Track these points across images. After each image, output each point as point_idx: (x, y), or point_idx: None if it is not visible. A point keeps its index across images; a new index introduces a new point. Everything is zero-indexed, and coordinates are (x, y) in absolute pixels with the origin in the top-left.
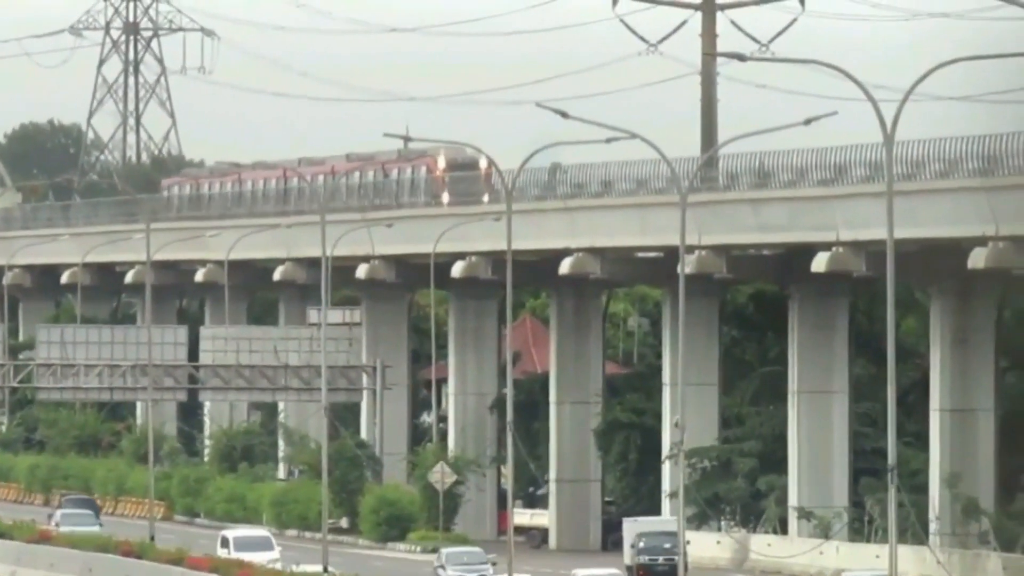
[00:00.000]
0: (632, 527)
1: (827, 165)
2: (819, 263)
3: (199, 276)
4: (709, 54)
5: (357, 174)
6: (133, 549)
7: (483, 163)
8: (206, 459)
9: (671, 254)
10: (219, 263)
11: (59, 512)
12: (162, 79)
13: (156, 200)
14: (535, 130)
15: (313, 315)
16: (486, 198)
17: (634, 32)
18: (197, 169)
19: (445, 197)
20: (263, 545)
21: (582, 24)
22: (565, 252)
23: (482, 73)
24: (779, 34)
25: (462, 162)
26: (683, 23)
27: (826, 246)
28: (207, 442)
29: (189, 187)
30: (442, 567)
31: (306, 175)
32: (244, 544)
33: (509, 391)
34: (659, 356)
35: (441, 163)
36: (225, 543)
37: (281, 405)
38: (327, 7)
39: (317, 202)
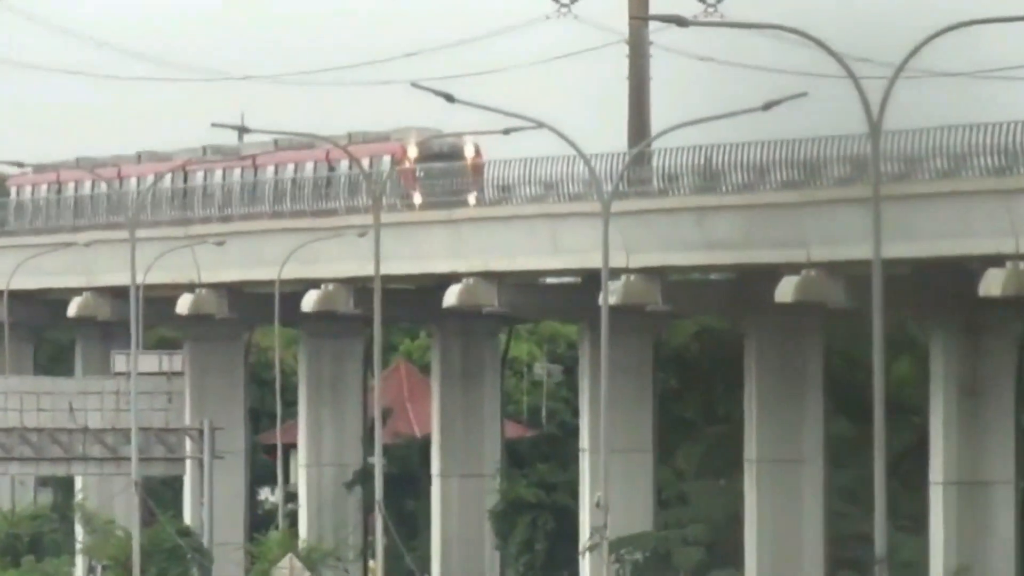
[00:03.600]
0: None
1: (794, 162)
2: (784, 291)
3: None
4: (638, 18)
5: (291, 166)
6: None
7: (469, 151)
8: None
9: (590, 280)
10: None
11: None
12: None
13: None
14: (411, 118)
15: (120, 362)
16: (473, 198)
17: None
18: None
19: (417, 197)
20: None
21: None
22: (451, 278)
23: (340, 45)
24: None
25: (439, 151)
26: None
27: (793, 269)
28: None
29: (48, 187)
30: None
31: (213, 167)
32: None
33: (378, 460)
34: (575, 414)
35: (412, 151)
36: None
37: (79, 481)
38: None
39: (123, 214)
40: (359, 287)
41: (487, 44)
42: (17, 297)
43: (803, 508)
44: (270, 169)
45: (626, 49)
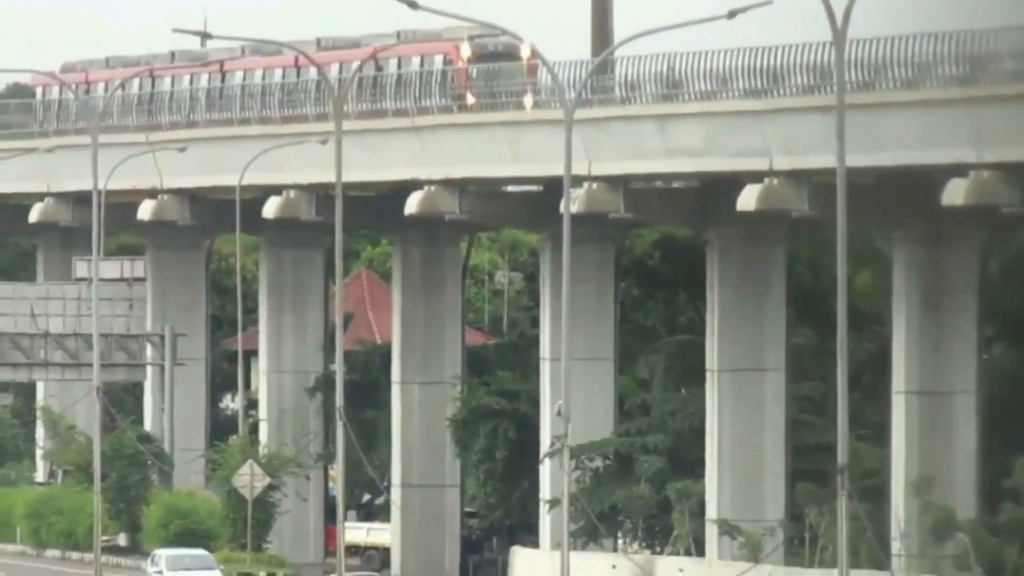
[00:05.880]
0: None
1: (758, 70)
2: (747, 199)
3: None
4: None
5: (335, 66)
6: None
7: (524, 51)
8: None
9: (552, 187)
10: None
11: None
12: None
13: None
14: (374, 24)
15: (82, 268)
16: (529, 100)
17: None
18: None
19: (470, 98)
20: None
21: None
22: (413, 185)
23: None
24: None
25: (494, 51)
26: None
27: (756, 177)
28: None
29: (76, 87)
30: (159, 572)
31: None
32: None
33: (339, 367)
34: (536, 323)
35: (465, 51)
36: None
37: (40, 386)
38: None
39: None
40: (321, 194)
41: None
42: None
43: (765, 418)
44: (313, 70)
45: None
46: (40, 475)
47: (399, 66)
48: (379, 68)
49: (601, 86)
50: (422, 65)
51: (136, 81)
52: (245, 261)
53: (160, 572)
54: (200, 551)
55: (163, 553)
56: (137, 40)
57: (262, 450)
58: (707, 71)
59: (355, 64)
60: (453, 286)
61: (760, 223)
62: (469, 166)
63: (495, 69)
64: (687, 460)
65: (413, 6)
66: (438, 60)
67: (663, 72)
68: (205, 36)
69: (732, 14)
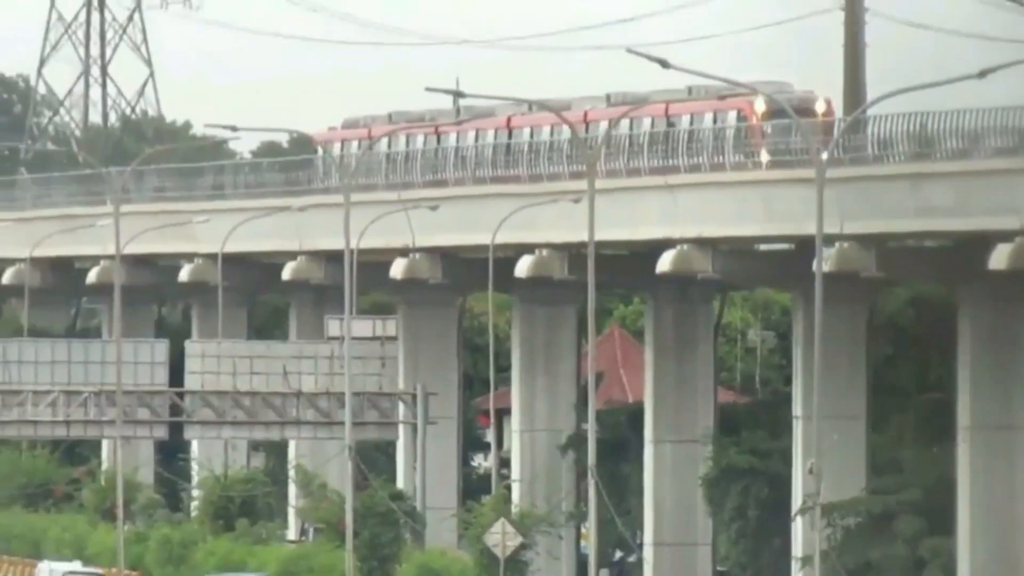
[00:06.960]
0: None
1: (1009, 129)
2: (999, 258)
3: (184, 274)
4: None
5: (626, 122)
6: None
7: (820, 106)
8: (193, 515)
9: (804, 246)
10: (211, 257)
11: None
12: (136, 16)
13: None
14: (624, 83)
15: (334, 326)
16: (825, 155)
17: None
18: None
19: (764, 155)
20: None
21: None
22: (666, 244)
23: (557, 11)
24: None
25: (789, 106)
26: None
27: (1008, 236)
28: (194, 493)
29: (358, 143)
30: None
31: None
32: None
33: (591, 426)
34: (788, 381)
35: (759, 107)
36: None
37: (292, 444)
38: None
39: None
40: (573, 252)
41: (700, 11)
42: (231, 260)
43: (1017, 476)
44: (602, 125)
45: (841, 15)
46: (292, 533)
47: (691, 122)
48: (671, 124)
49: (853, 145)
50: (715, 121)
51: (420, 137)
52: (497, 319)
53: None
54: None
55: None
56: (393, 99)
57: (514, 508)
58: (959, 130)
59: (646, 120)
60: (705, 344)
61: (1012, 281)
62: (722, 225)
63: (789, 125)
64: (938, 517)
65: (664, 65)
66: (731, 116)
67: (915, 130)
68: (457, 95)
69: (983, 73)
